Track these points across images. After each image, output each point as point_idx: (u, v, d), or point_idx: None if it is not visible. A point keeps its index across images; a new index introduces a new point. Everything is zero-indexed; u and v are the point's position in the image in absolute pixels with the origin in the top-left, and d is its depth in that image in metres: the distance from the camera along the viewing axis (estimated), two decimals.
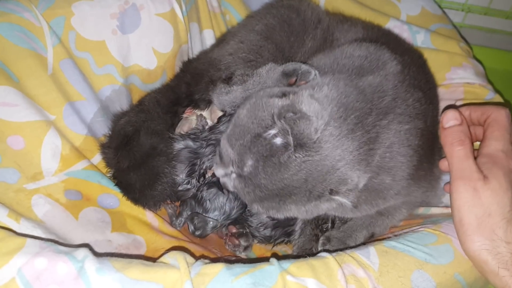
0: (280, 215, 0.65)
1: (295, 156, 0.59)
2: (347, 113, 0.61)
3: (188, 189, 0.80)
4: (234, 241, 0.79)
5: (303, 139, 0.58)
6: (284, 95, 0.63)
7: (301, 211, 0.63)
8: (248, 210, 0.82)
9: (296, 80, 0.71)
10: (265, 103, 0.63)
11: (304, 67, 0.70)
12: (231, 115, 0.77)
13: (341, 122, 0.60)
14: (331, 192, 0.60)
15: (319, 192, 0.60)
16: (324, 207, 0.63)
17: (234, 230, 0.80)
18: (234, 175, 0.64)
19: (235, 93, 0.76)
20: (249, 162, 0.61)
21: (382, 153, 0.64)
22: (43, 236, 0.62)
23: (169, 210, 0.82)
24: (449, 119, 0.67)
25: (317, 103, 0.61)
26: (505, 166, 0.62)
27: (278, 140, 0.60)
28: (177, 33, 0.90)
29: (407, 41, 0.95)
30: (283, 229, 0.81)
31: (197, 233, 0.78)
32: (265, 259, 0.58)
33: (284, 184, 0.60)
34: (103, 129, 0.82)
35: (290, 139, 0.59)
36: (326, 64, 0.74)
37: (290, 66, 0.72)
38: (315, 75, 0.69)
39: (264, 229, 0.81)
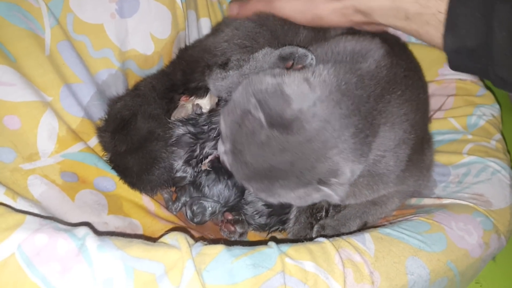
0: (271, 199, 0.65)
1: (273, 135, 0.59)
2: (342, 97, 0.61)
3: (185, 177, 0.80)
4: (229, 227, 0.79)
5: (274, 116, 0.59)
6: (276, 75, 0.64)
7: (291, 197, 0.64)
8: (244, 198, 0.82)
9: (293, 64, 0.71)
10: (257, 81, 0.63)
11: (301, 50, 0.71)
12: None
13: (332, 105, 0.60)
14: (319, 182, 0.61)
15: (307, 180, 0.60)
16: (316, 196, 0.64)
17: (229, 217, 0.81)
18: (228, 151, 0.65)
19: (231, 78, 0.76)
20: (238, 139, 0.62)
21: (384, 135, 0.65)
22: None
23: (165, 195, 0.82)
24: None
25: (307, 86, 0.61)
26: None
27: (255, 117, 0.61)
28: (175, 20, 0.90)
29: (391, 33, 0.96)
30: (278, 217, 0.81)
31: (196, 219, 0.78)
32: (263, 242, 0.58)
33: (269, 165, 0.60)
34: (99, 112, 0.81)
35: (261, 115, 0.59)
36: (323, 52, 0.74)
37: (287, 49, 0.72)
38: (312, 59, 0.70)
39: (259, 217, 0.81)
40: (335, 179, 0.60)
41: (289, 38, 0.84)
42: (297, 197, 0.63)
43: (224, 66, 0.78)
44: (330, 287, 0.54)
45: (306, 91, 0.61)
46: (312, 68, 0.67)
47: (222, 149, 0.67)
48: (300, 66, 0.70)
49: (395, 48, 0.76)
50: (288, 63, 0.71)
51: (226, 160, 0.67)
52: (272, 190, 0.63)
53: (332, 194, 0.61)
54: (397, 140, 0.68)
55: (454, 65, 0.69)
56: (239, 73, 0.75)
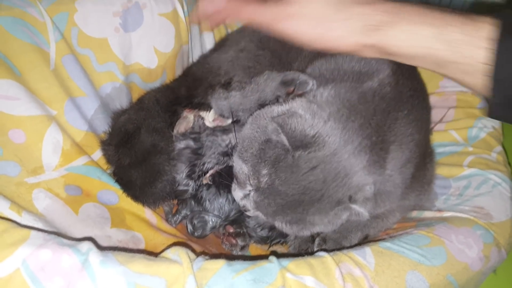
0: (304, 231, 0.64)
1: (299, 155, 0.59)
2: (350, 112, 0.62)
3: (187, 190, 0.81)
4: (231, 240, 0.80)
5: (296, 136, 0.59)
6: (282, 103, 0.65)
7: (324, 223, 0.63)
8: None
9: (294, 90, 0.72)
10: (265, 113, 0.65)
11: (302, 77, 0.72)
12: (236, 121, 0.78)
13: (344, 119, 0.61)
14: (350, 199, 0.61)
15: (339, 198, 0.61)
16: (344, 218, 0.63)
17: (231, 230, 0.81)
18: (252, 193, 0.64)
19: (233, 99, 0.78)
20: (264, 171, 0.61)
21: (393, 154, 0.66)
22: (45, 229, 0.62)
23: (166, 208, 0.83)
24: None
25: (315, 105, 0.62)
26: None
27: (277, 143, 0.61)
28: (179, 33, 0.91)
29: None
30: (279, 230, 0.82)
31: (196, 233, 0.79)
32: (264, 257, 0.59)
33: (302, 187, 0.60)
34: (103, 126, 0.82)
35: (283, 138, 0.60)
36: (328, 70, 0.75)
37: (289, 75, 0.73)
38: (313, 85, 0.71)
39: (261, 230, 0.81)
40: (364, 195, 0.61)
41: (292, 56, 0.86)
42: (328, 222, 0.63)
43: (226, 86, 0.79)
44: None
45: (317, 110, 0.62)
46: (313, 92, 0.68)
47: (240, 195, 0.66)
48: (300, 92, 0.71)
49: (403, 67, 0.76)
50: (289, 89, 0.72)
51: (249, 205, 0.66)
52: (306, 219, 0.62)
53: (362, 211, 0.61)
54: (404, 160, 0.69)
55: (496, 116, 0.64)
56: (241, 95, 0.77)
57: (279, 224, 0.65)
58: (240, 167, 0.65)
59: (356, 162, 0.60)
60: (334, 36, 0.66)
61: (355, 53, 0.67)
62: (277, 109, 0.64)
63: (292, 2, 0.67)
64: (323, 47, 0.67)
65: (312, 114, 0.61)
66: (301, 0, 0.66)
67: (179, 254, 0.54)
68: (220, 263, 0.54)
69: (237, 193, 0.67)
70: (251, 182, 0.63)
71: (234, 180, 0.68)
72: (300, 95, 0.69)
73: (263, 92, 0.74)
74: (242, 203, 0.67)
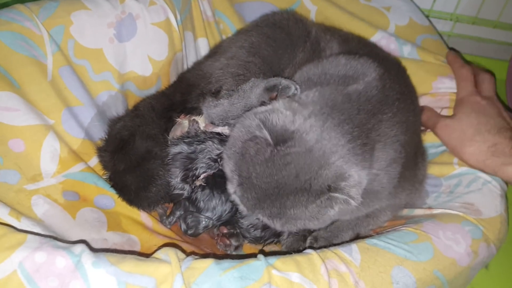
0: (288, 226, 0.65)
1: (277, 150, 0.61)
2: (333, 111, 0.64)
3: (182, 194, 0.83)
4: (225, 241, 0.82)
5: (278, 131, 0.62)
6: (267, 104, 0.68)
7: (307, 216, 0.64)
8: (239, 212, 0.84)
9: (277, 95, 0.74)
10: (250, 114, 0.67)
11: (284, 82, 0.74)
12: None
13: (325, 117, 0.63)
14: (330, 188, 0.61)
15: (316, 190, 0.62)
16: (332, 211, 0.64)
17: (225, 231, 0.83)
18: (237, 188, 0.66)
19: (222, 107, 0.80)
20: (243, 167, 0.64)
21: (378, 153, 0.67)
22: (42, 233, 0.65)
23: (159, 210, 0.85)
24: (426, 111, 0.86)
25: (297, 104, 0.65)
26: (469, 102, 0.87)
27: (260, 138, 0.63)
28: (172, 42, 0.93)
29: (385, 51, 0.99)
30: (272, 230, 0.83)
31: (190, 232, 0.81)
32: (253, 255, 0.61)
33: (275, 181, 0.62)
34: (99, 133, 0.85)
35: (265, 132, 0.62)
36: (315, 74, 0.77)
37: (271, 81, 0.76)
38: (296, 89, 0.73)
39: (254, 230, 0.83)
40: (344, 183, 0.61)
41: (284, 62, 0.88)
42: (312, 216, 0.64)
43: (216, 94, 0.82)
44: None
45: (298, 108, 0.64)
46: (298, 95, 0.71)
47: (231, 190, 0.69)
48: (284, 96, 0.73)
49: (392, 71, 0.78)
50: (272, 95, 0.75)
51: (236, 198, 0.68)
52: (285, 212, 0.63)
53: (346, 197, 0.61)
54: (388, 160, 0.70)
55: None
56: (229, 102, 0.79)
57: (262, 218, 0.66)
58: (227, 164, 0.67)
59: (333, 155, 0.62)
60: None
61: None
62: (261, 109, 0.66)
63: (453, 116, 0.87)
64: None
65: (293, 111, 0.63)
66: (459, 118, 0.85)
67: (168, 254, 0.56)
68: (208, 262, 0.56)
69: (229, 189, 0.70)
70: (234, 177, 0.66)
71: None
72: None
73: (249, 99, 0.77)
74: (232, 198, 0.70)
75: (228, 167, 0.67)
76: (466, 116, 0.84)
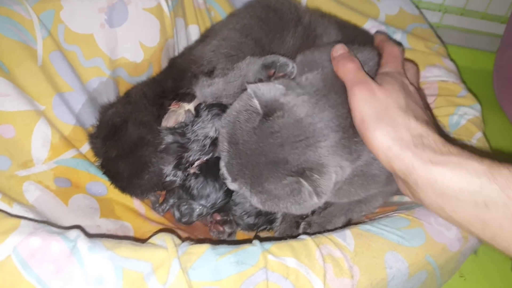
0: (271, 203, 0.65)
1: (265, 119, 0.62)
2: (330, 92, 0.64)
3: (175, 181, 0.83)
4: (218, 228, 0.82)
5: (268, 101, 0.62)
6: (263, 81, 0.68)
7: (282, 194, 0.64)
8: (232, 200, 0.85)
9: (274, 72, 0.74)
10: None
11: (282, 59, 0.74)
12: (210, 105, 0.81)
13: (320, 96, 0.63)
14: (303, 172, 0.60)
15: (291, 167, 0.61)
16: (299, 196, 0.63)
17: (218, 218, 0.83)
18: (225, 153, 0.67)
19: (217, 85, 0.80)
20: (233, 134, 0.64)
21: None
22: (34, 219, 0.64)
23: (152, 198, 0.85)
24: (337, 49, 0.71)
25: (294, 83, 0.65)
26: (397, 78, 0.67)
27: (251, 107, 0.64)
28: (163, 28, 0.92)
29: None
30: (265, 217, 0.84)
31: (183, 219, 0.80)
32: (248, 241, 0.61)
33: (261, 149, 0.62)
34: (91, 119, 0.84)
35: (255, 102, 0.62)
36: (313, 60, 0.77)
37: (269, 58, 0.75)
38: (293, 67, 0.73)
39: (247, 217, 0.84)
40: (317, 176, 0.61)
41: (274, 46, 0.88)
42: (287, 195, 0.63)
43: (210, 74, 0.81)
44: (311, 282, 0.57)
45: (294, 85, 0.65)
46: (293, 75, 0.71)
47: (222, 163, 0.69)
48: (281, 74, 0.73)
49: None
50: (270, 71, 0.74)
51: (222, 167, 0.68)
52: (263, 185, 0.63)
53: (312, 191, 0.60)
54: None
55: None
56: (224, 81, 0.79)
57: (245, 192, 0.66)
58: (221, 134, 0.68)
59: (323, 139, 0.62)
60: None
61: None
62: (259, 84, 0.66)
63: (383, 83, 0.66)
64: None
65: (288, 87, 0.63)
66: (388, 90, 0.65)
67: (165, 239, 0.56)
68: (205, 247, 0.56)
69: (221, 162, 0.70)
70: (224, 145, 0.66)
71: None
72: (282, 77, 0.71)
73: (246, 77, 0.77)
74: (221, 171, 0.69)
75: (221, 136, 0.68)
76: (396, 92, 0.64)
